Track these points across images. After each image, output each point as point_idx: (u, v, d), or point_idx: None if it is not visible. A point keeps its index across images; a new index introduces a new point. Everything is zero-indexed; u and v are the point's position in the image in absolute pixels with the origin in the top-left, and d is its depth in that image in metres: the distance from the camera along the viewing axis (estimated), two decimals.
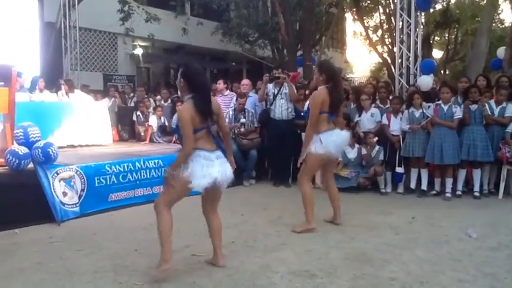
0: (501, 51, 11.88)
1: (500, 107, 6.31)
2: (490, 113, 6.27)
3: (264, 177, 7.65)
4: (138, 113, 9.39)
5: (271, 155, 7.46)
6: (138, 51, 16.31)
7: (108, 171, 5.63)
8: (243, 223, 5.04)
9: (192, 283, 3.36)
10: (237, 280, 3.41)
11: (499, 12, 19.96)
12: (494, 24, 17.84)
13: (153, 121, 9.04)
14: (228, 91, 8.37)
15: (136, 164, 5.97)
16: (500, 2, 15.84)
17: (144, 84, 15.39)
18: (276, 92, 7.12)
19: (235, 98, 7.64)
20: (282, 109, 7.07)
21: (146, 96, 10.05)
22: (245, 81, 8.09)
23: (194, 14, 16.55)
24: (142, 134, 9.20)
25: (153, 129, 9.02)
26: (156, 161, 6.17)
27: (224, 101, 8.08)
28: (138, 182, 5.91)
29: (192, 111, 3.28)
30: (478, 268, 3.64)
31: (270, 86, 7.21)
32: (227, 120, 7.28)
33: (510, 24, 15.12)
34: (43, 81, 8.35)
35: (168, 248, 3.36)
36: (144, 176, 5.99)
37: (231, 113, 7.37)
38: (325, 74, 4.63)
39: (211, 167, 3.30)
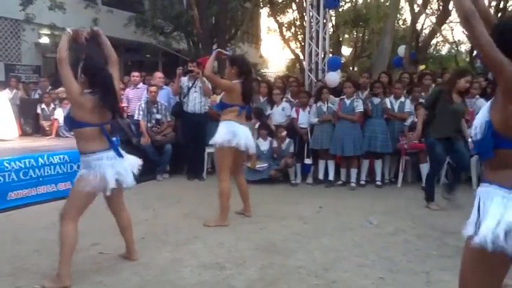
0: (401, 50, 12.76)
1: (399, 101, 6.78)
2: (389, 107, 6.72)
3: (179, 171, 7.57)
4: (43, 105, 8.83)
5: (185, 149, 7.40)
6: (45, 40, 15.29)
7: (7, 167, 5.25)
8: (155, 218, 4.98)
9: (99, 282, 3.27)
10: (145, 277, 3.36)
11: (402, 12, 21.40)
12: (397, 24, 19.07)
13: (59, 114, 8.53)
14: (141, 83, 8.16)
15: (40, 159, 5.63)
16: (402, 4, 16.93)
17: (51, 75, 14.47)
18: (190, 85, 7.08)
19: (147, 91, 7.47)
20: (195, 102, 7.04)
21: (51, 87, 9.46)
22: (158, 74, 7.96)
23: (106, 3, 15.86)
24: (48, 128, 8.67)
25: (59, 123, 8.52)
26: (61, 156, 5.85)
27: (137, 93, 7.89)
28: (41, 179, 5.57)
29: (93, 103, 3.18)
30: (378, 253, 3.90)
31: (185, 79, 7.16)
32: (141, 113, 7.10)
33: (410, 25, 16.23)
34: None
35: (67, 264, 3.15)
36: (48, 172, 5.66)
37: (143, 105, 7.19)
38: (236, 67, 4.69)
39: (118, 165, 3.24)
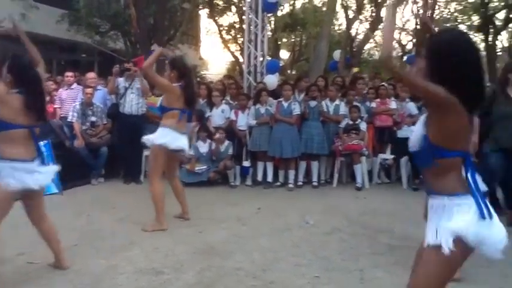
0: (337, 54, 13.20)
1: (334, 104, 7.00)
2: (325, 110, 6.92)
3: (115, 174, 7.34)
4: None
5: (121, 151, 7.19)
6: None
7: None
8: (89, 224, 4.80)
9: None
10: (77, 285, 3.25)
11: (337, 17, 22.11)
12: (333, 29, 19.68)
13: None
14: (75, 84, 7.83)
15: None
16: (337, 9, 17.51)
17: None
18: (127, 85, 6.90)
19: (82, 92, 7.19)
20: (132, 103, 6.87)
21: None
22: (90, 75, 7.62)
23: None
24: None
25: None
26: None
27: (71, 94, 7.55)
28: None
29: (21, 103, 3.02)
30: (314, 252, 4.00)
31: (121, 79, 6.96)
32: (75, 115, 6.81)
33: (345, 30, 16.84)
34: None
35: None
36: None
37: (78, 107, 6.91)
38: (177, 70, 4.64)
39: (27, 175, 3.06)
